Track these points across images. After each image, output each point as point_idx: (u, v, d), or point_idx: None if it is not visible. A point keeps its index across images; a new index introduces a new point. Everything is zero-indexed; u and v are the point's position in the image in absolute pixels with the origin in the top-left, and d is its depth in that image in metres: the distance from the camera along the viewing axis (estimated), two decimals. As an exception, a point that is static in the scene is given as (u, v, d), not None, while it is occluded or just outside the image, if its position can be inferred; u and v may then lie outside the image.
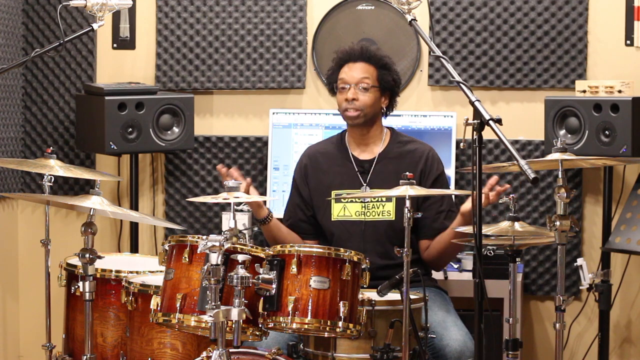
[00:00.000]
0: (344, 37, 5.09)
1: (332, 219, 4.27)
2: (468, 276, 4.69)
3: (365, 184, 4.27)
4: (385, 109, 4.29)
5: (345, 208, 4.26)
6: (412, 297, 3.67)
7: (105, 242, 5.23)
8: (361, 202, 4.24)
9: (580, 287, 4.81)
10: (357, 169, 4.29)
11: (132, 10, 5.14)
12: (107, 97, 4.79)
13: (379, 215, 4.23)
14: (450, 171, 4.84)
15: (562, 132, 4.74)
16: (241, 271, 3.30)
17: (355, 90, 4.21)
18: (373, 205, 4.23)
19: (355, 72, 4.22)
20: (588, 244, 5.07)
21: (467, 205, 4.05)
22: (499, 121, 3.19)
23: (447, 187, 4.40)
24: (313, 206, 4.33)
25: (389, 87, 4.27)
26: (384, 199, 4.22)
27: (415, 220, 4.06)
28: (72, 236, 4.58)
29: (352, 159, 4.31)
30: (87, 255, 3.70)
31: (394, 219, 4.21)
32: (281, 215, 4.41)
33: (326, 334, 3.64)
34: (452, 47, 5.08)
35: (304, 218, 4.33)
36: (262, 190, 5.12)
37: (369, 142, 4.32)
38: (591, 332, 5.05)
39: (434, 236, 4.23)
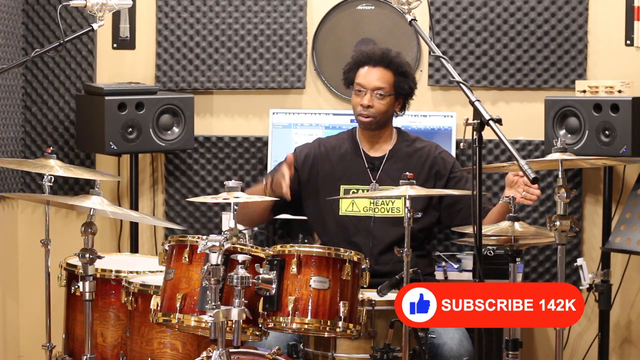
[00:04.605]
0: (344, 37, 5.09)
1: (340, 214, 4.27)
2: (468, 276, 4.69)
3: (374, 181, 4.27)
4: (397, 111, 4.32)
5: (354, 203, 4.26)
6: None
7: (105, 242, 5.23)
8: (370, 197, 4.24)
9: (580, 287, 4.80)
10: (367, 165, 4.30)
11: (132, 10, 5.14)
12: (107, 97, 4.79)
13: (388, 211, 4.23)
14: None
15: (562, 132, 4.74)
16: (241, 271, 3.30)
17: (371, 97, 4.22)
18: (382, 201, 4.23)
19: (373, 78, 4.23)
20: (588, 244, 5.07)
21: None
22: (499, 121, 3.19)
23: (465, 176, 4.34)
24: (319, 196, 4.28)
25: (404, 93, 4.29)
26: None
27: (451, 209, 4.14)
28: (72, 236, 4.58)
29: (362, 154, 4.32)
30: (87, 255, 3.69)
31: (402, 215, 4.20)
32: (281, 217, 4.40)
33: (326, 334, 3.64)
34: (452, 47, 5.07)
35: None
36: (262, 190, 5.13)
37: (379, 140, 4.34)
38: (591, 332, 5.05)
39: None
